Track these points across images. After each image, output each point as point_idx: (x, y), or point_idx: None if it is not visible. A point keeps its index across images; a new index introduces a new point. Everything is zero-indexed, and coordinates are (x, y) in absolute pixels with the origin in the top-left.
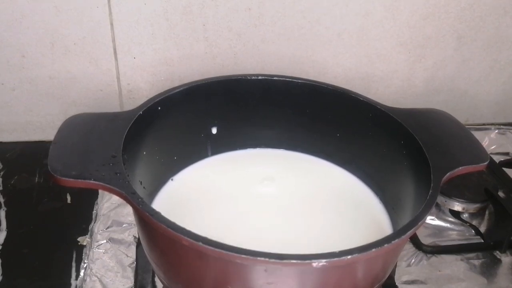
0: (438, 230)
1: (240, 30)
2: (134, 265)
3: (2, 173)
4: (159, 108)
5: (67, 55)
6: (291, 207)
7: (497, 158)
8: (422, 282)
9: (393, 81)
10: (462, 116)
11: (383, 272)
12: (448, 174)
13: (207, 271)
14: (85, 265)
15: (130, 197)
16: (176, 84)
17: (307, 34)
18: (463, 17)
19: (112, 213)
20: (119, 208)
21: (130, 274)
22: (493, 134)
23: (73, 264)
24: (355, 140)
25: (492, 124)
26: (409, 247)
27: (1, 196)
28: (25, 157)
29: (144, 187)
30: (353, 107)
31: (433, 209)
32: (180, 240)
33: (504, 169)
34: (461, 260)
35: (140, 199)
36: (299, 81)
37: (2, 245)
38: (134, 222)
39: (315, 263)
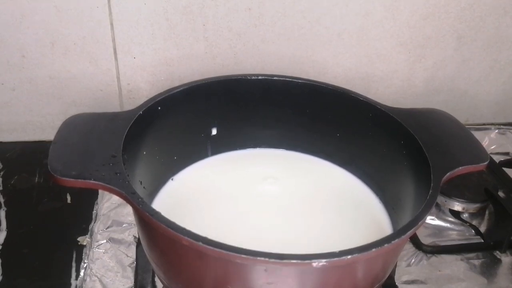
0: (438, 230)
1: (240, 30)
2: (134, 265)
3: (2, 173)
4: (159, 108)
5: (67, 55)
6: (291, 207)
7: (497, 158)
8: (422, 282)
9: (393, 81)
10: (462, 116)
11: (383, 272)
12: (448, 174)
13: (207, 271)
14: (85, 265)
15: (130, 197)
16: (176, 84)
17: (307, 34)
18: (463, 17)
19: (112, 213)
20: (119, 208)
21: (130, 274)
22: (493, 134)
23: (73, 264)
24: (355, 140)
25: (492, 124)
26: (409, 247)
27: (1, 196)
28: (25, 157)
29: (144, 187)
30: (353, 107)
31: (433, 209)
32: (180, 240)
33: (504, 169)
34: (461, 260)
35: (140, 199)
36: (299, 81)
37: (2, 245)
38: (134, 222)
39: (315, 263)
